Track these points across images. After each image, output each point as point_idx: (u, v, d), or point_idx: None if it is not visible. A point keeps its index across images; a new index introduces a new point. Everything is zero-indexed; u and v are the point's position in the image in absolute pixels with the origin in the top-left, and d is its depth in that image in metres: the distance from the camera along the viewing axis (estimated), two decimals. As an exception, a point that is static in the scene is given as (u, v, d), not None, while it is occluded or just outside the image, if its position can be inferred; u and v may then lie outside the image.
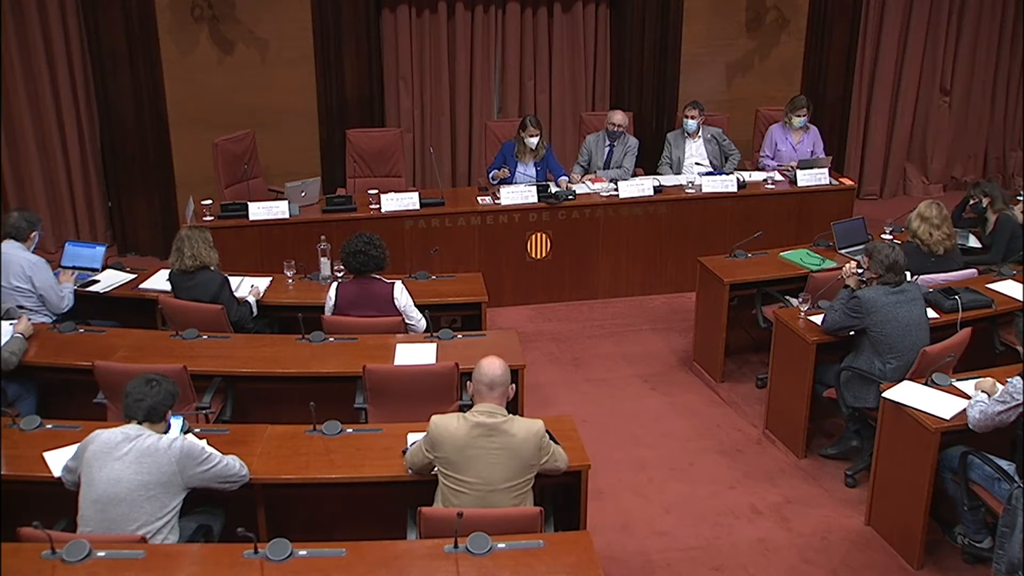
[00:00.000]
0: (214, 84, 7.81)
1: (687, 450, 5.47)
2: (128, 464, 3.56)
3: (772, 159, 7.63)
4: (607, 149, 7.44)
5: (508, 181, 7.15)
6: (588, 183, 7.24)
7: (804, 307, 5.28)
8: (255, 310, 5.50)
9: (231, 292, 5.36)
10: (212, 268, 5.29)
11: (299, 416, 4.27)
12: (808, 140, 7.61)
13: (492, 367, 3.75)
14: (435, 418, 3.75)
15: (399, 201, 6.77)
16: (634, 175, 7.42)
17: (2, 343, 4.74)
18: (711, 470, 5.28)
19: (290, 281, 5.74)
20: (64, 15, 7.58)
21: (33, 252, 5.49)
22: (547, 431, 4.01)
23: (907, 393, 4.49)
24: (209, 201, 6.67)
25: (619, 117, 7.36)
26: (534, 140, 7.15)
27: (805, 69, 8.80)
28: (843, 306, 4.92)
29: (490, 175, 7.27)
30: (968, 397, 4.34)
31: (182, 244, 5.26)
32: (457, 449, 3.67)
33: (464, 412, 3.80)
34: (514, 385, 3.84)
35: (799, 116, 7.50)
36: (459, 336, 5.10)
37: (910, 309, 4.84)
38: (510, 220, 6.94)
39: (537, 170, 7.26)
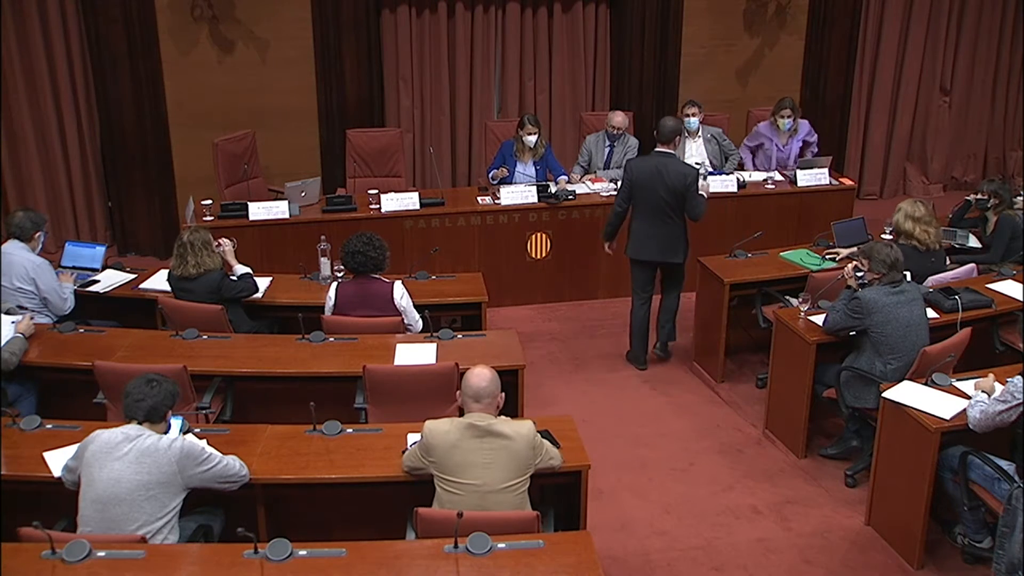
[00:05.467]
0: (214, 84, 7.81)
1: (687, 450, 5.47)
2: (128, 464, 3.56)
3: (752, 149, 7.64)
4: (607, 149, 7.44)
5: (508, 181, 7.15)
6: (588, 183, 7.24)
7: (804, 307, 5.28)
8: (255, 281, 5.50)
9: (231, 280, 5.39)
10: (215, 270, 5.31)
11: (299, 416, 4.27)
12: (795, 142, 7.58)
13: (479, 379, 3.73)
14: (428, 423, 3.74)
15: (399, 201, 6.77)
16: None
17: (2, 343, 4.74)
18: (711, 470, 5.28)
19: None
20: (64, 15, 7.59)
21: (37, 253, 5.46)
22: (546, 430, 4.03)
23: (907, 393, 4.49)
24: (209, 201, 6.67)
25: (619, 119, 7.34)
26: (532, 138, 7.15)
27: (805, 69, 8.81)
28: (844, 307, 4.92)
29: (490, 175, 7.27)
30: (968, 397, 4.34)
31: (185, 252, 5.25)
32: (451, 452, 3.66)
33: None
34: (503, 394, 3.81)
35: (783, 118, 7.46)
36: (459, 336, 5.09)
37: (910, 309, 4.84)
38: (510, 220, 6.94)
39: (537, 169, 7.26)
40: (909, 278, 5.08)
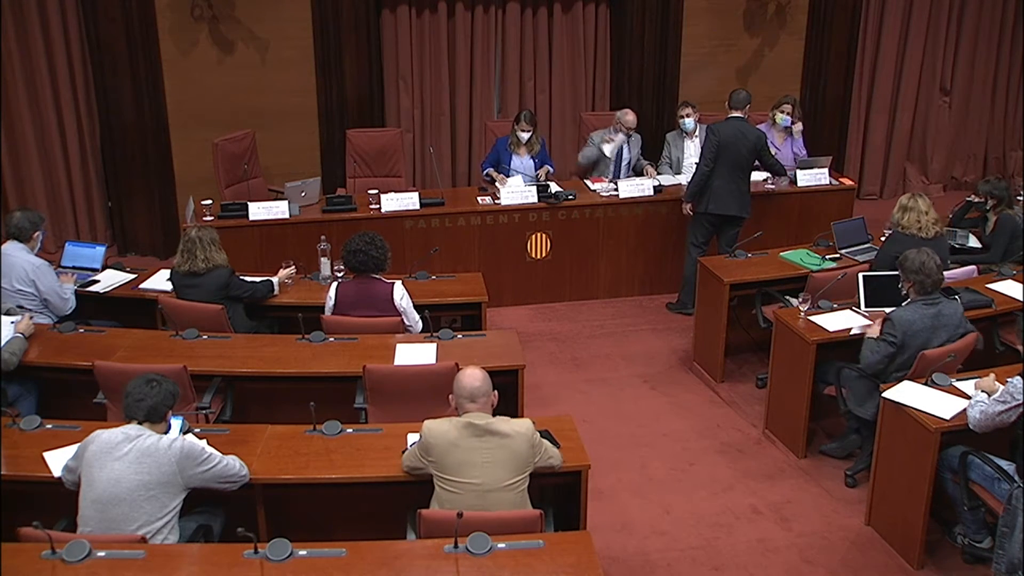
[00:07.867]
0: (214, 84, 7.81)
1: (687, 450, 5.47)
2: (128, 464, 3.56)
3: None
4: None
5: (504, 173, 7.21)
6: (588, 183, 7.26)
7: (804, 307, 5.28)
8: (276, 288, 5.55)
9: (240, 278, 5.39)
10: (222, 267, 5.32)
11: (299, 416, 4.27)
12: (789, 145, 7.56)
13: (471, 379, 3.72)
14: (427, 423, 3.74)
15: (399, 201, 6.78)
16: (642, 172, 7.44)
17: (2, 343, 4.74)
18: (711, 470, 5.28)
19: (288, 280, 5.72)
20: (64, 15, 7.58)
21: (36, 253, 5.46)
22: (546, 430, 4.03)
23: (907, 393, 4.49)
24: (209, 201, 6.67)
25: (630, 118, 7.35)
26: (525, 135, 7.20)
27: (805, 69, 8.80)
28: (880, 339, 4.70)
29: (484, 172, 7.30)
30: (968, 397, 4.34)
31: (194, 247, 5.24)
32: (450, 451, 3.66)
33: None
34: (496, 392, 3.81)
35: (782, 113, 7.44)
36: (459, 336, 5.09)
37: (939, 336, 4.66)
38: (510, 220, 6.94)
39: (535, 162, 7.30)
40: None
